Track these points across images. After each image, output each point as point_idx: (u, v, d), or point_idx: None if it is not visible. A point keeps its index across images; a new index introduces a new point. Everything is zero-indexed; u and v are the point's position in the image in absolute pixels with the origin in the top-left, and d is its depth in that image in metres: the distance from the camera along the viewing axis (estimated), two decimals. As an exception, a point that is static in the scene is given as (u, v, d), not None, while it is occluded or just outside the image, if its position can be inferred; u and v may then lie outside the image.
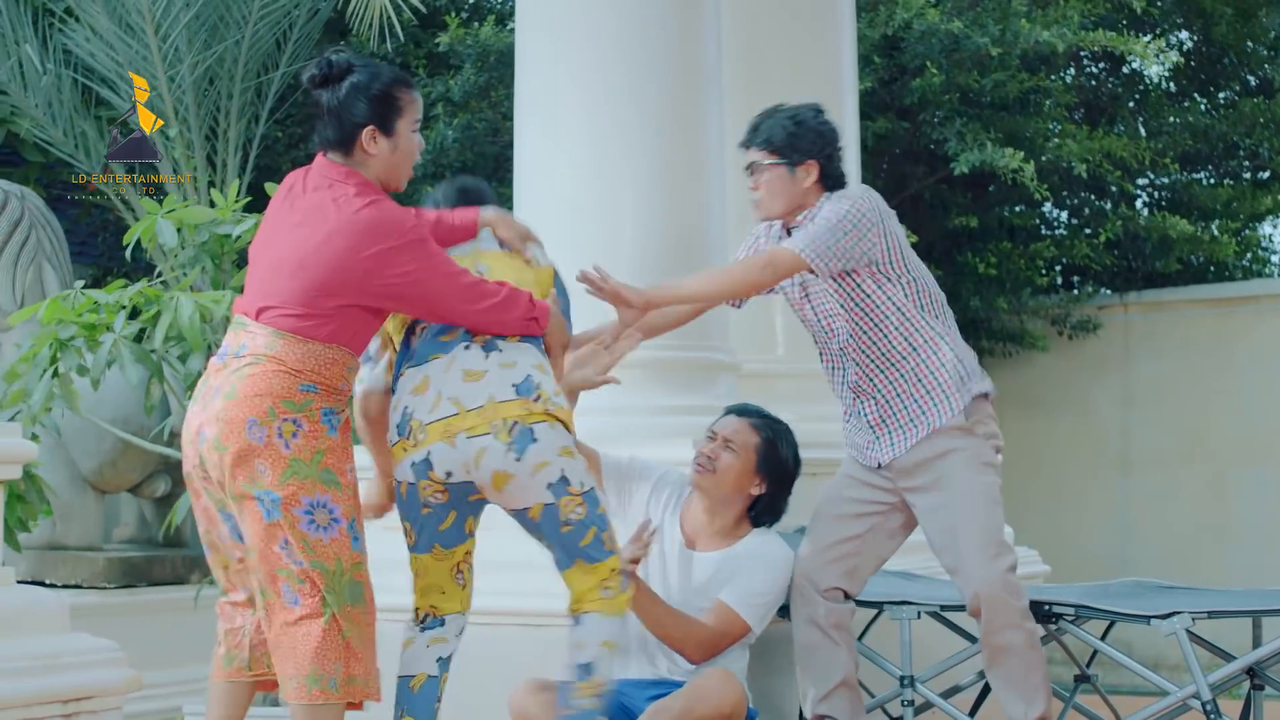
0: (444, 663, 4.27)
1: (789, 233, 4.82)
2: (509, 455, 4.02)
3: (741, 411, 5.10)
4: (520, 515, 4.16)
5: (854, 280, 4.71)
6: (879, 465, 4.85)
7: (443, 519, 4.15)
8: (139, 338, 5.63)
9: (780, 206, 4.79)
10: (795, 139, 4.76)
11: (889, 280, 4.71)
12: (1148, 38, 11.04)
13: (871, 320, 4.74)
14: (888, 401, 4.80)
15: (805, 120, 4.80)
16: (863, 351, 4.79)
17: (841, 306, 4.76)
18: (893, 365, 4.77)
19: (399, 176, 4.14)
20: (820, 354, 4.97)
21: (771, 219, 4.84)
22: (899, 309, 4.73)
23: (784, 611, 5.04)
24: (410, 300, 4.07)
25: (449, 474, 4.06)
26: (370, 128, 4.05)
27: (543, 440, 4.04)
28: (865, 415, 4.85)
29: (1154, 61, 11.03)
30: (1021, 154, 10.47)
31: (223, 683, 4.15)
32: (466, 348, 4.12)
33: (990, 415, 4.85)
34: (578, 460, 4.14)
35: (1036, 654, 4.78)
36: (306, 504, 3.89)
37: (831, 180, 4.79)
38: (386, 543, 4.45)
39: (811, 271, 4.66)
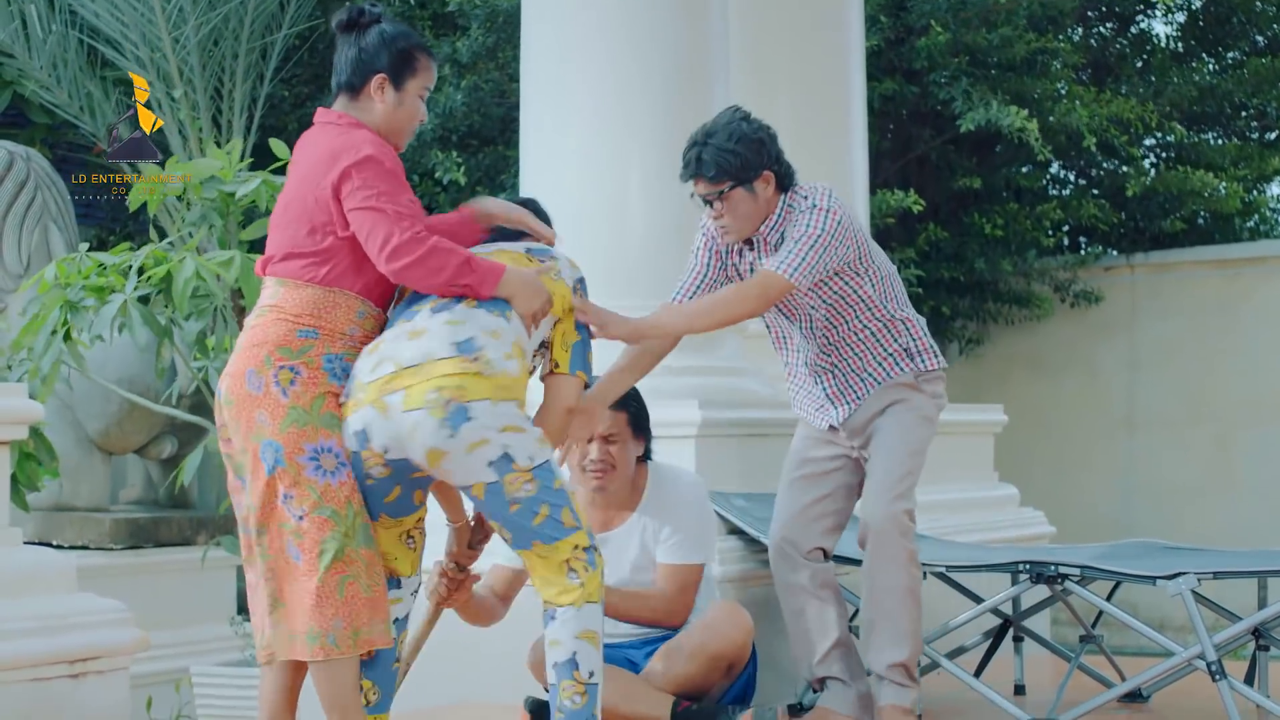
0: (400, 622, 4.08)
1: (750, 243, 4.79)
2: (441, 432, 3.79)
3: None
4: (466, 493, 3.99)
5: (824, 283, 4.72)
6: (830, 427, 4.92)
7: (387, 492, 3.94)
8: (146, 299, 5.61)
9: (751, 227, 4.74)
10: (745, 159, 4.66)
11: (857, 275, 4.74)
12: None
13: (837, 310, 4.79)
14: (844, 376, 4.88)
15: (744, 135, 4.68)
16: (825, 338, 4.85)
17: (811, 307, 4.78)
18: (851, 347, 4.84)
19: (397, 135, 4.12)
20: (774, 341, 4.99)
21: (743, 239, 4.79)
22: (864, 300, 4.78)
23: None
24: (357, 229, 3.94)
25: (386, 449, 3.85)
26: (382, 75, 4.07)
27: (479, 418, 3.80)
28: (823, 389, 4.91)
29: (1166, 2, 10.95)
30: (1025, 113, 10.45)
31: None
32: (425, 310, 3.95)
33: (939, 377, 4.93)
34: (527, 434, 3.88)
35: (913, 601, 4.81)
36: (310, 450, 3.84)
37: (786, 179, 4.76)
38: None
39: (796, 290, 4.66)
